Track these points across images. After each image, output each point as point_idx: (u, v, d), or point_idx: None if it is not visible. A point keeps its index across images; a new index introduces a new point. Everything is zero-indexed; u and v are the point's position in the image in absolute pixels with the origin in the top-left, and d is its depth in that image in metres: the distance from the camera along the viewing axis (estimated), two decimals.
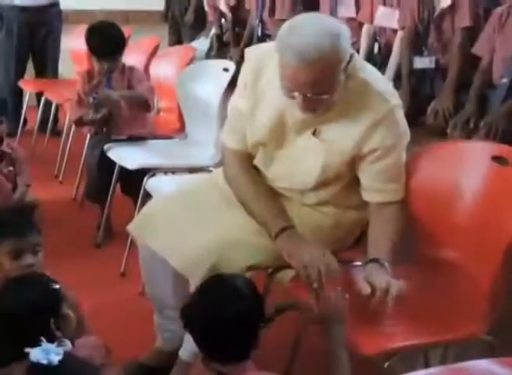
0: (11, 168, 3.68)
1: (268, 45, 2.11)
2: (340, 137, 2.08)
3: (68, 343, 1.62)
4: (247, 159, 2.27)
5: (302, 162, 2.15)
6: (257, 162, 2.26)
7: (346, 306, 1.83)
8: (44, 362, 1.52)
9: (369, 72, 2.12)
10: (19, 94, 5.34)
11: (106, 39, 3.55)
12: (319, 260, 1.99)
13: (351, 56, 1.99)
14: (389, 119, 2.04)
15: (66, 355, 1.57)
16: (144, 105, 3.56)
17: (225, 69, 3.33)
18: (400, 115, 2.10)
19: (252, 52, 2.23)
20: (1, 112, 3.72)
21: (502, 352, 1.91)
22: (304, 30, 1.90)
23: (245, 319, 1.73)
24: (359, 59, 2.11)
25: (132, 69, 3.69)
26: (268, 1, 4.50)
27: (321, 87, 1.94)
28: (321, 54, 1.87)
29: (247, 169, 2.26)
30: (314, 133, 2.11)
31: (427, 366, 2.21)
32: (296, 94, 1.96)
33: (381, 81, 2.12)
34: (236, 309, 1.72)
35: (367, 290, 1.89)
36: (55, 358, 1.54)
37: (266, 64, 2.13)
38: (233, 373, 1.74)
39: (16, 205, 3.42)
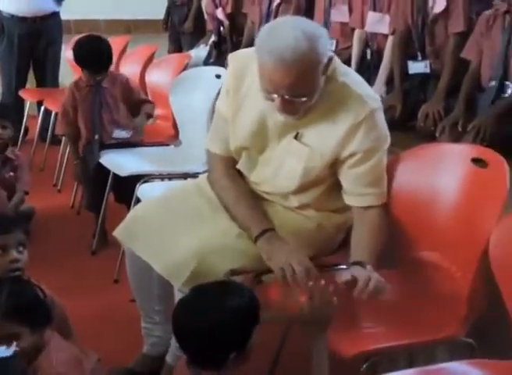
0: (12, 173, 3.74)
1: (250, 50, 2.12)
2: (321, 140, 2.09)
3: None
4: (230, 164, 2.28)
5: (284, 165, 2.16)
6: (240, 166, 2.27)
7: (334, 311, 1.82)
8: None
9: (349, 75, 2.13)
10: (20, 103, 5.38)
11: (94, 53, 3.60)
12: (294, 262, 2.00)
13: (330, 59, 2.00)
14: (368, 122, 2.05)
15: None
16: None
17: (218, 76, 3.35)
18: (380, 118, 2.10)
19: (234, 58, 2.25)
20: (6, 117, 3.77)
21: (482, 354, 1.92)
22: (282, 32, 1.92)
23: (231, 326, 1.70)
24: (339, 62, 2.12)
25: (127, 80, 3.72)
26: (273, 14, 4.54)
27: (299, 89, 1.95)
28: (298, 56, 1.89)
29: (230, 173, 2.28)
30: (296, 137, 2.12)
31: (411, 367, 2.22)
32: (275, 96, 1.97)
33: (361, 84, 2.13)
34: (224, 320, 1.69)
35: (347, 277, 1.88)
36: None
37: (248, 69, 2.14)
38: None
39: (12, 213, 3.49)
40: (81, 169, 3.70)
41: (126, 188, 3.32)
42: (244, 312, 1.72)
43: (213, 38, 5.40)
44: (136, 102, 3.73)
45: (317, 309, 1.80)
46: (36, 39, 5.35)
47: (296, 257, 2.03)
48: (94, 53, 3.60)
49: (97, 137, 3.58)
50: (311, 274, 1.99)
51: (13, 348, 1.61)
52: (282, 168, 2.17)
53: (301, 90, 1.96)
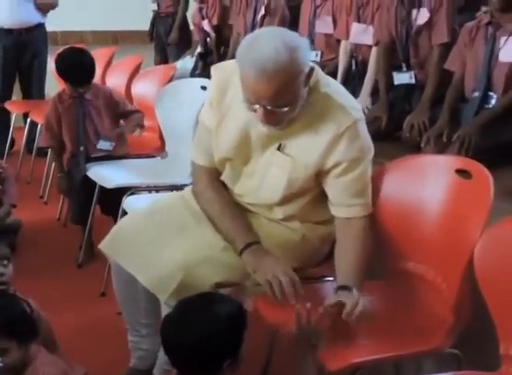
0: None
1: (232, 62, 2.12)
2: (304, 151, 2.09)
3: None
4: (214, 175, 2.29)
5: (267, 177, 2.16)
6: (224, 177, 2.27)
7: (322, 333, 1.82)
8: None
9: (331, 86, 2.14)
10: (6, 115, 5.37)
11: (76, 65, 3.61)
12: (280, 273, 2.00)
13: (312, 69, 2.01)
14: (351, 133, 2.06)
15: None
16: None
17: (203, 87, 3.35)
18: (363, 129, 2.11)
19: (217, 69, 2.25)
20: None
21: (469, 365, 1.92)
22: (263, 43, 1.93)
23: (221, 343, 1.69)
24: (321, 74, 2.13)
25: (111, 93, 3.72)
26: (258, 26, 4.55)
27: (281, 99, 1.95)
28: (279, 67, 1.90)
29: (215, 185, 2.28)
30: (279, 148, 2.13)
31: None
32: (257, 107, 1.98)
33: (343, 95, 2.14)
34: (213, 332, 1.68)
35: (331, 301, 1.89)
36: None
37: (231, 81, 2.15)
38: None
39: None
40: (66, 182, 3.69)
41: (112, 200, 3.31)
42: (233, 318, 1.73)
43: (199, 49, 5.40)
44: (124, 114, 3.74)
45: (305, 330, 1.80)
46: (21, 51, 5.35)
47: (281, 269, 2.03)
48: (76, 65, 3.60)
49: (82, 149, 3.57)
50: (296, 286, 2.00)
51: None
52: (266, 179, 2.17)
53: (283, 100, 1.96)
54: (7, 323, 1.85)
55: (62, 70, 3.65)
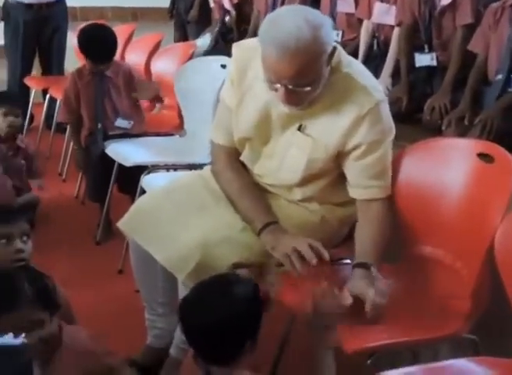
0: (23, 162, 3.76)
1: (253, 40, 2.10)
2: (325, 132, 2.08)
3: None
4: (234, 155, 2.28)
5: (287, 157, 2.15)
6: (243, 158, 2.26)
7: (341, 309, 1.80)
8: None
9: (354, 66, 2.11)
10: (25, 91, 5.37)
11: (98, 42, 3.59)
12: (299, 244, 1.99)
13: (334, 49, 1.99)
14: (373, 114, 2.03)
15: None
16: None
17: (223, 66, 3.33)
18: (385, 110, 2.08)
19: (238, 48, 2.23)
20: (17, 105, 3.79)
21: (486, 351, 1.91)
22: (285, 22, 1.90)
23: (237, 324, 1.69)
24: (343, 53, 2.10)
25: (130, 70, 3.72)
26: (279, 4, 4.52)
27: (303, 78, 1.93)
28: (302, 45, 1.87)
29: (234, 165, 2.27)
30: (299, 129, 2.11)
31: (416, 361, 2.21)
32: (278, 86, 1.96)
33: (365, 76, 2.11)
34: (228, 314, 1.67)
35: (349, 300, 1.87)
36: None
37: (252, 59, 2.13)
38: (219, 374, 1.74)
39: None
40: (83, 157, 3.70)
41: (130, 179, 3.32)
42: (251, 300, 1.72)
43: (218, 27, 5.38)
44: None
45: (319, 310, 1.78)
46: (41, 26, 5.33)
47: (299, 241, 2.01)
48: (99, 42, 3.59)
49: (100, 126, 3.57)
50: (317, 251, 1.97)
51: (21, 338, 1.60)
52: (285, 160, 2.16)
53: (305, 79, 1.94)
54: (42, 294, 1.84)
55: (85, 46, 3.63)
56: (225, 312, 1.67)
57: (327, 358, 1.78)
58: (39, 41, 5.40)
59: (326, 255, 1.99)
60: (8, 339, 1.56)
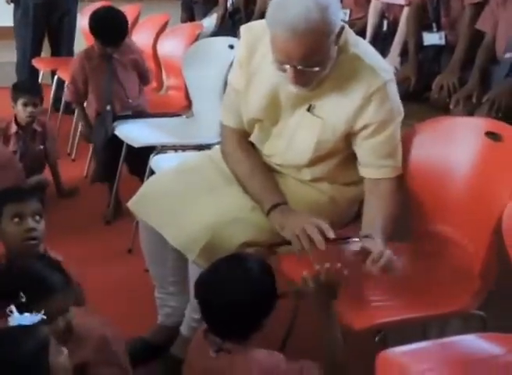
0: (41, 146, 3.79)
1: (261, 22, 2.10)
2: (334, 112, 2.08)
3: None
4: (243, 136, 2.29)
5: (296, 138, 2.16)
6: (253, 138, 2.27)
7: (343, 279, 1.81)
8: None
9: (361, 46, 2.11)
10: (35, 72, 5.39)
11: (110, 26, 3.61)
12: (308, 225, 1.99)
13: (342, 29, 1.99)
14: (381, 94, 2.04)
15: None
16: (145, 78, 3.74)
17: (231, 46, 3.33)
18: (393, 90, 2.09)
19: (247, 29, 2.23)
20: (37, 94, 3.83)
21: (494, 327, 1.92)
22: (293, 3, 1.90)
23: (255, 301, 1.74)
24: (351, 33, 2.11)
25: (132, 47, 3.75)
26: None
27: (311, 59, 1.94)
28: (310, 26, 1.88)
29: (243, 146, 2.28)
30: (308, 109, 2.12)
31: (425, 339, 2.23)
32: (287, 67, 1.97)
33: (373, 56, 2.12)
34: (247, 292, 1.73)
35: (356, 247, 1.88)
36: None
37: (260, 41, 2.14)
38: (232, 349, 1.76)
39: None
40: (90, 130, 3.78)
41: (139, 159, 3.33)
42: (265, 277, 1.77)
43: (222, 10, 5.34)
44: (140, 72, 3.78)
45: (321, 284, 1.81)
46: (51, 9, 5.35)
47: (308, 220, 2.01)
48: (111, 25, 3.61)
49: (109, 108, 3.59)
50: (325, 233, 1.97)
51: (40, 315, 1.61)
52: (295, 140, 2.17)
53: (314, 60, 1.95)
54: (65, 281, 1.83)
55: (96, 29, 3.64)
56: (242, 289, 1.72)
57: (333, 329, 1.80)
58: (49, 23, 5.43)
59: (332, 235, 1.98)
60: (29, 317, 1.58)
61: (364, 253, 1.88)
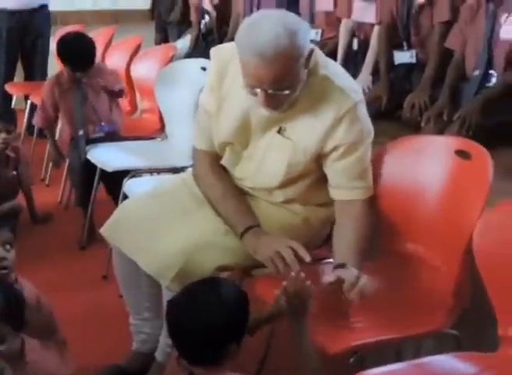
0: (14, 172, 3.77)
1: (231, 44, 2.10)
2: (304, 134, 2.08)
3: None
4: (215, 159, 2.28)
5: (267, 160, 2.16)
6: (224, 161, 2.27)
7: (309, 295, 1.80)
8: None
9: (330, 68, 2.12)
10: (8, 97, 5.36)
11: (77, 52, 3.61)
12: (281, 247, 2.00)
13: (311, 52, 2.00)
14: (351, 115, 2.05)
15: None
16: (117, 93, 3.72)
17: (203, 68, 3.32)
18: (363, 111, 2.10)
19: (216, 52, 2.23)
20: (11, 121, 3.81)
21: (468, 346, 1.92)
22: (263, 28, 1.91)
23: (228, 325, 1.71)
24: (321, 55, 2.11)
25: (102, 70, 3.74)
26: (255, 5, 4.51)
27: (281, 83, 1.95)
28: (279, 51, 1.89)
29: (215, 169, 2.27)
30: (279, 131, 2.12)
31: (400, 359, 2.23)
32: (258, 91, 1.97)
33: (343, 77, 2.12)
34: (221, 315, 1.70)
35: (331, 278, 1.88)
36: None
37: (230, 63, 2.14)
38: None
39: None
40: (59, 157, 3.86)
41: (114, 182, 3.32)
42: (238, 303, 1.74)
43: (195, 31, 5.35)
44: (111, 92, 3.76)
45: (291, 297, 1.79)
46: (25, 32, 5.34)
47: (281, 242, 2.03)
48: (78, 51, 3.61)
49: (81, 133, 3.57)
50: (299, 254, 1.98)
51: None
52: (265, 163, 2.16)
53: (284, 83, 1.95)
54: (11, 309, 1.84)
55: (63, 55, 3.65)
56: (212, 314, 1.68)
57: (307, 348, 1.79)
58: (22, 47, 5.41)
59: (308, 258, 2.00)
60: None
61: (339, 281, 1.87)
